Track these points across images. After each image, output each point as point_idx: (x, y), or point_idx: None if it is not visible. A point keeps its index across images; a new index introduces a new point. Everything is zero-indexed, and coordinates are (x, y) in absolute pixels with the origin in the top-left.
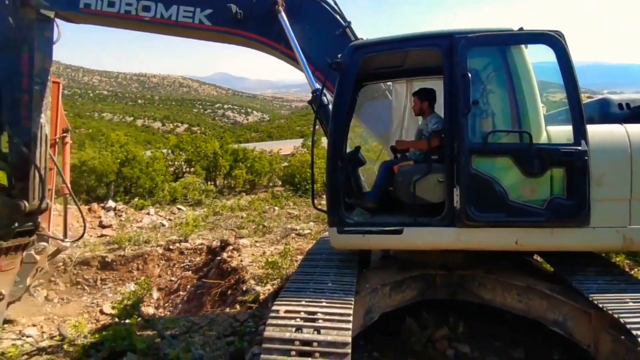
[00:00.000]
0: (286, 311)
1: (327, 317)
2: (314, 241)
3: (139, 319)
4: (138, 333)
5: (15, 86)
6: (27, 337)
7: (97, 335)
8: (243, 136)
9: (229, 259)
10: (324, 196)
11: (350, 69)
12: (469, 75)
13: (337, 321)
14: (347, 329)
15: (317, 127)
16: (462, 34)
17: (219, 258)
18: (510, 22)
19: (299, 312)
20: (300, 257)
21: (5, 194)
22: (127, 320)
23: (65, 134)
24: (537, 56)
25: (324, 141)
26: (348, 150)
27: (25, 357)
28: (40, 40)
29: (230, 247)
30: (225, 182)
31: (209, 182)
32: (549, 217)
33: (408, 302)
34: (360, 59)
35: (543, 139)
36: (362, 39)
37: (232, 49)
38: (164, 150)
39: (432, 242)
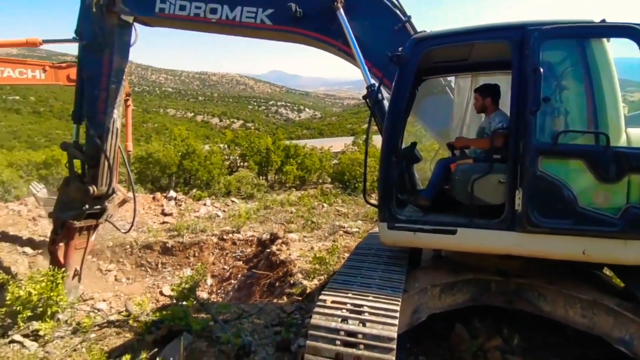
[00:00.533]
0: (333, 302)
1: (374, 311)
2: (362, 239)
3: (195, 302)
4: (193, 315)
5: (96, 84)
6: (98, 310)
7: (157, 314)
8: (295, 133)
9: (277, 252)
10: (375, 195)
11: (410, 62)
12: (541, 70)
13: (384, 316)
14: (393, 325)
15: (371, 123)
16: (536, 26)
17: (268, 250)
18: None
19: (345, 303)
20: (347, 255)
21: (79, 180)
22: (184, 303)
23: (127, 97)
24: (617, 51)
25: (376, 139)
26: (403, 146)
27: (97, 328)
28: (119, 43)
29: (280, 241)
30: (277, 177)
31: (261, 177)
32: (624, 227)
33: (459, 306)
34: (422, 52)
35: (622, 141)
36: (424, 31)
37: (287, 47)
38: (221, 145)
39: (489, 245)
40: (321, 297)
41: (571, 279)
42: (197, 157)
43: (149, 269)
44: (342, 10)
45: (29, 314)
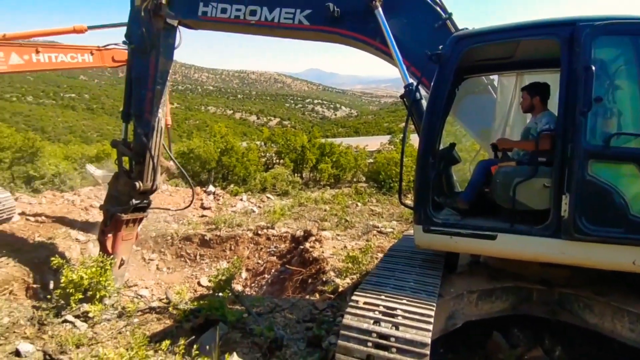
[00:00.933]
0: (365, 303)
1: (407, 314)
2: (396, 240)
3: (230, 294)
4: (229, 306)
5: (143, 85)
6: (141, 297)
7: (195, 303)
8: (330, 131)
9: (311, 249)
10: (410, 196)
11: (451, 60)
12: (593, 68)
13: (417, 320)
14: (427, 330)
15: (408, 123)
16: (587, 22)
17: (301, 247)
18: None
19: (377, 305)
20: (380, 255)
21: (127, 176)
22: (220, 294)
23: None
24: None
25: (414, 138)
26: (442, 147)
27: (140, 313)
28: (164, 46)
29: (313, 238)
30: (311, 175)
31: (296, 174)
32: None
33: (497, 315)
34: (463, 50)
35: None
36: (466, 28)
37: (324, 46)
38: (258, 142)
39: (531, 252)
40: (354, 297)
41: (620, 290)
42: (235, 153)
43: (188, 260)
44: (380, 9)
45: (80, 296)
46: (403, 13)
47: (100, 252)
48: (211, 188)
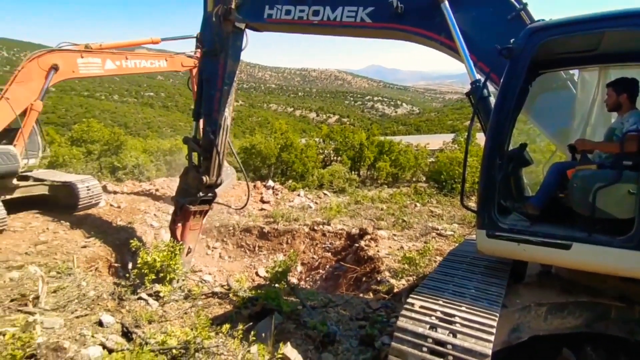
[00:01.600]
0: (421, 307)
1: (467, 322)
2: (457, 244)
3: (286, 286)
4: (284, 297)
5: (212, 85)
6: (205, 282)
7: (253, 292)
8: (390, 129)
9: (366, 248)
10: (475, 198)
11: (524, 55)
12: None
13: (478, 330)
14: (488, 340)
15: (474, 121)
16: None
17: (356, 245)
18: None
19: (434, 310)
20: (439, 259)
21: (195, 170)
22: (276, 285)
23: None
24: None
25: (481, 137)
26: (511, 147)
27: (203, 296)
28: (232, 48)
29: (369, 237)
30: (369, 173)
31: (353, 172)
32: None
33: (568, 331)
34: (538, 44)
35: None
36: (542, 20)
37: (387, 42)
38: (316, 139)
39: (611, 265)
40: (409, 299)
41: None
42: (294, 149)
43: (247, 250)
44: (447, 3)
45: (153, 277)
46: (472, 5)
47: (171, 239)
48: (270, 183)
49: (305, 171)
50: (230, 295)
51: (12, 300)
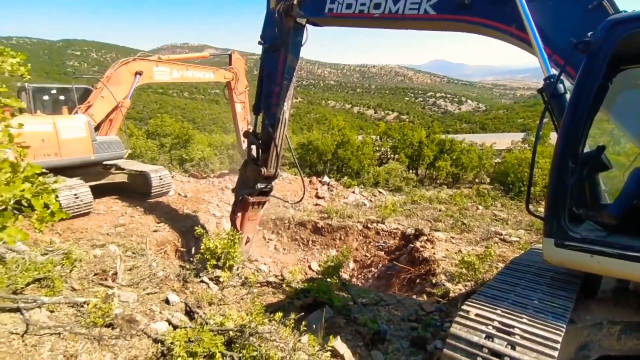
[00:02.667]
0: (477, 315)
1: (528, 335)
2: (522, 251)
3: (337, 281)
4: (335, 292)
5: (272, 80)
6: (261, 271)
7: (305, 284)
8: (452, 126)
9: (421, 249)
10: (543, 203)
11: (604, 49)
12: None
13: (540, 344)
14: (551, 356)
15: (545, 120)
16: None
17: (411, 245)
18: None
19: (492, 319)
20: (501, 266)
21: (254, 163)
22: (328, 279)
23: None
24: None
25: (555, 138)
26: (587, 150)
27: (258, 284)
28: (293, 43)
29: (425, 238)
30: (427, 172)
31: (410, 171)
32: None
33: None
34: (621, 37)
35: None
36: (625, 11)
37: (451, 35)
38: (373, 136)
39: None
40: (464, 306)
41: None
42: (351, 146)
43: (301, 244)
44: None
45: (214, 262)
46: None
47: (231, 229)
48: (326, 179)
49: (361, 168)
50: (284, 285)
51: (95, 275)
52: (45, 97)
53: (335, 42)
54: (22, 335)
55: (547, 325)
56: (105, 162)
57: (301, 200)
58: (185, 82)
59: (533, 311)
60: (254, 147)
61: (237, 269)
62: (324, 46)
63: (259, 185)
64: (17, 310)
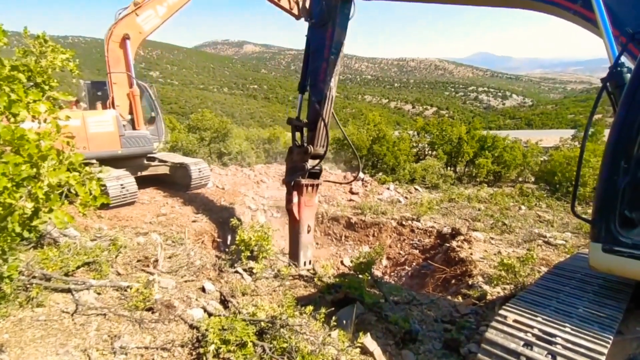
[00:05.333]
0: (515, 320)
1: (570, 345)
2: (567, 255)
3: (369, 278)
4: (367, 289)
5: (319, 56)
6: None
7: (337, 279)
8: (495, 122)
9: (458, 249)
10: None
11: None
12: None
13: (583, 354)
14: None
15: (597, 116)
16: None
17: (447, 245)
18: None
19: (531, 326)
20: (544, 270)
21: (298, 147)
22: (360, 276)
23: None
24: None
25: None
26: None
27: (290, 277)
28: (340, 17)
29: (462, 237)
30: (467, 169)
31: (449, 168)
32: None
33: None
34: None
35: None
36: None
37: (496, 26)
38: (410, 132)
39: None
40: (502, 311)
41: None
42: (387, 142)
43: (334, 239)
44: None
45: (248, 254)
46: None
47: (289, 223)
48: (361, 175)
49: (397, 164)
50: (315, 279)
51: (138, 261)
52: (99, 93)
53: (372, 36)
54: (72, 315)
55: (592, 336)
56: (150, 155)
57: (355, 179)
58: (178, 9)
59: (577, 320)
60: (297, 134)
61: (270, 261)
62: (361, 40)
63: (308, 165)
64: (69, 291)
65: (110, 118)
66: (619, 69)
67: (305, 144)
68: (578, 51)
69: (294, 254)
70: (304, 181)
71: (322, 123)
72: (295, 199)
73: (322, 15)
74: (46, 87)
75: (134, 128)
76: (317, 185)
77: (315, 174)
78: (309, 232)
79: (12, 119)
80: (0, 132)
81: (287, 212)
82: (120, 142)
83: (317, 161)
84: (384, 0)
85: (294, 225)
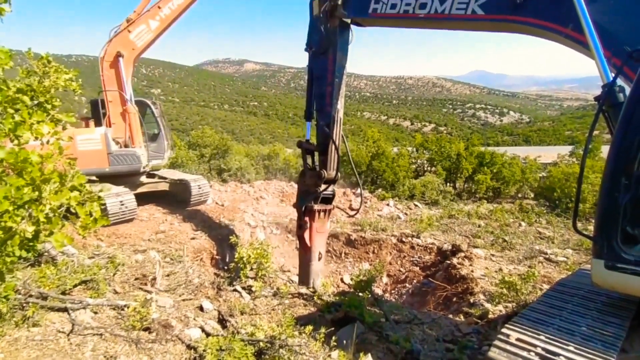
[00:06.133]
0: (518, 339)
1: None
2: (569, 272)
3: (370, 296)
4: (367, 308)
5: (323, 82)
6: (293, 282)
7: (336, 298)
8: (493, 139)
9: (459, 266)
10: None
11: None
12: None
13: None
14: None
15: (595, 132)
16: None
17: (448, 262)
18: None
19: (534, 345)
20: (546, 287)
21: (311, 170)
22: (360, 294)
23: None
24: None
25: (606, 151)
26: None
27: (290, 296)
28: (340, 42)
29: (462, 254)
30: (466, 185)
31: (448, 184)
32: None
33: None
34: None
35: None
36: None
37: (492, 44)
38: (409, 148)
39: None
40: (504, 330)
41: None
42: (386, 158)
43: (333, 256)
44: None
45: (248, 271)
46: None
47: (299, 249)
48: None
49: (396, 180)
50: (315, 298)
51: (136, 279)
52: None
53: (371, 53)
54: (68, 334)
55: (596, 354)
56: (151, 171)
57: (359, 211)
58: (171, 22)
59: (581, 338)
60: (308, 157)
61: (269, 279)
62: (360, 58)
63: (320, 189)
64: (65, 310)
65: (99, 136)
66: (613, 88)
67: (317, 168)
68: (573, 69)
69: (303, 281)
70: (316, 207)
71: (333, 146)
72: (306, 225)
73: (322, 43)
74: (49, 107)
75: (126, 146)
76: (330, 210)
77: (328, 199)
78: (319, 259)
79: (16, 141)
80: (4, 156)
81: (297, 238)
82: (108, 160)
83: (329, 186)
84: (377, 26)
85: (305, 252)
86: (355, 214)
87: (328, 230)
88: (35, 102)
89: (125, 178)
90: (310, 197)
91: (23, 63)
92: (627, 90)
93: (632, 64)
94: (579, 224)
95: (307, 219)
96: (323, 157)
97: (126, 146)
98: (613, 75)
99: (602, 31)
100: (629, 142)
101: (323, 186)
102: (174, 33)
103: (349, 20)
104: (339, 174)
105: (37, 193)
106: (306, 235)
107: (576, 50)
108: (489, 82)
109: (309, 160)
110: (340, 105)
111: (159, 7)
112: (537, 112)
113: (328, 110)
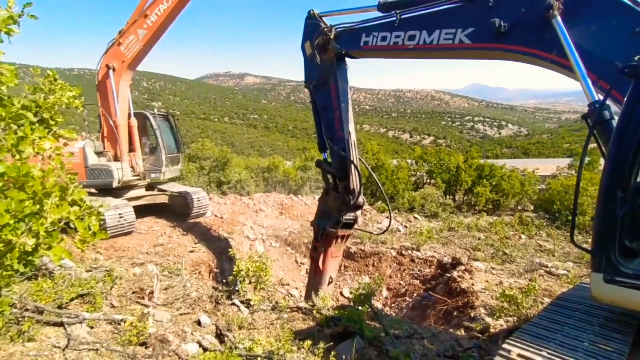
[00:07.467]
0: (520, 355)
1: None
2: (570, 285)
3: (369, 310)
4: (367, 322)
5: (329, 110)
6: (291, 296)
7: (336, 312)
8: (492, 151)
9: (459, 279)
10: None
11: None
12: None
13: None
14: None
15: (592, 145)
16: None
17: (448, 275)
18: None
19: None
20: (547, 301)
21: (335, 192)
22: (359, 308)
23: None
24: None
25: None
26: None
27: (289, 310)
28: (339, 70)
29: (462, 267)
30: (465, 198)
31: (447, 196)
32: None
33: None
34: None
35: None
36: None
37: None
38: (409, 161)
39: None
40: (505, 345)
41: None
42: (385, 171)
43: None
44: (559, 18)
45: (247, 285)
46: (590, 19)
47: (310, 270)
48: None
49: (396, 193)
50: (314, 312)
51: (133, 292)
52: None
53: (370, 68)
54: (64, 349)
55: None
56: (150, 184)
57: (387, 230)
58: (159, 28)
59: (583, 354)
60: (329, 175)
61: (268, 293)
62: (359, 72)
63: (344, 217)
64: (61, 324)
65: (78, 149)
66: (602, 107)
67: (341, 192)
68: (570, 82)
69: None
70: (339, 232)
71: (355, 170)
72: (322, 249)
73: (321, 75)
74: (52, 123)
75: (116, 159)
76: (348, 235)
77: (349, 224)
78: (329, 283)
79: (18, 156)
80: (6, 170)
81: (310, 259)
82: (85, 173)
83: (354, 213)
84: (369, 57)
85: (316, 275)
86: (382, 232)
87: (342, 254)
88: (39, 117)
89: (124, 190)
90: (331, 221)
91: (25, 77)
92: (613, 108)
93: (622, 81)
94: (579, 237)
95: (323, 242)
96: (344, 182)
97: (116, 159)
98: (599, 94)
99: (585, 55)
100: (623, 156)
101: (347, 214)
102: (175, 47)
103: (342, 52)
104: (364, 199)
105: (37, 206)
106: (320, 259)
107: (562, 74)
108: (487, 95)
109: (330, 179)
110: (352, 128)
111: (146, 15)
112: (535, 124)
113: (340, 135)
